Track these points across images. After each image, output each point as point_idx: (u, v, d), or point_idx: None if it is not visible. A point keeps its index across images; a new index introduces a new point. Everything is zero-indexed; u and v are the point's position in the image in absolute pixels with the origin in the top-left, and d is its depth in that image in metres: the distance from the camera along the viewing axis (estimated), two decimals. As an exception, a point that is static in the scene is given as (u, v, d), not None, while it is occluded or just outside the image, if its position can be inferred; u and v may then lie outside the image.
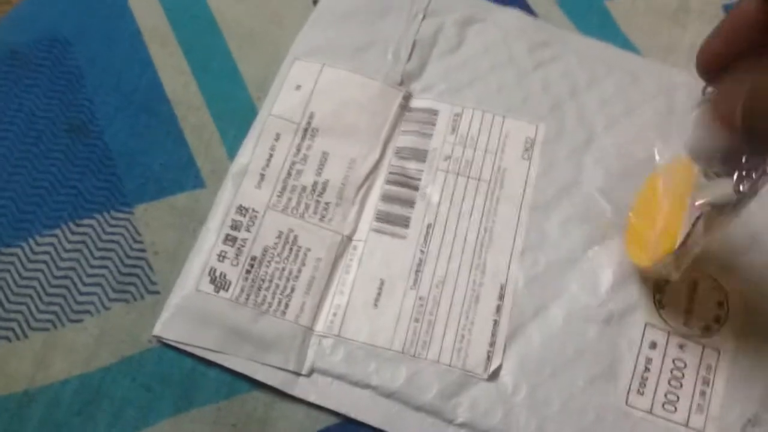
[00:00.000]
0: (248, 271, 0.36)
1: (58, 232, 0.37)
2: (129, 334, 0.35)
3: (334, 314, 0.36)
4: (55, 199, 0.38)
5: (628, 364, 0.35)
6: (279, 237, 0.37)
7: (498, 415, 0.34)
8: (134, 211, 0.38)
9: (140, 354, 0.35)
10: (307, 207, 0.38)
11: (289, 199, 0.38)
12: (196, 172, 0.39)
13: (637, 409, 0.34)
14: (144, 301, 0.36)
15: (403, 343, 0.35)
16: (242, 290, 0.36)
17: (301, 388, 0.34)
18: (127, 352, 0.35)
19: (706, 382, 0.35)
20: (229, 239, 0.37)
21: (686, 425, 0.34)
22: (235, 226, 0.37)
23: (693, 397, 0.34)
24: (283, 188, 0.38)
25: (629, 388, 0.35)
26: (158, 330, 0.35)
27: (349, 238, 0.38)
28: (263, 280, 0.36)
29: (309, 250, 0.37)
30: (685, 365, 0.35)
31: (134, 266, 0.36)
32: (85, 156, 0.39)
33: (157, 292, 0.36)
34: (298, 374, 0.34)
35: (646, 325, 0.36)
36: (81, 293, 0.36)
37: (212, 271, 0.36)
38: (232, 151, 0.39)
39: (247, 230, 0.37)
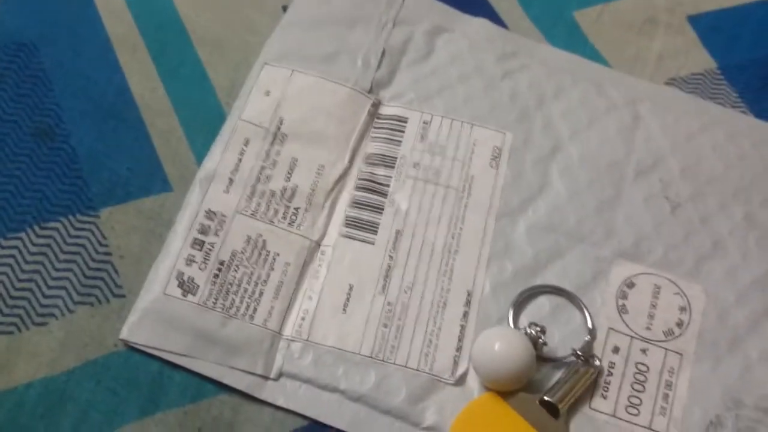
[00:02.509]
0: (216, 275, 0.36)
1: (22, 235, 0.36)
2: (94, 338, 0.35)
3: (303, 318, 0.36)
4: (19, 202, 0.37)
5: (592, 368, 0.36)
6: (247, 241, 0.37)
7: (465, 418, 0.34)
8: (100, 214, 0.37)
9: (105, 357, 0.34)
10: (276, 212, 0.38)
11: (258, 204, 0.38)
12: (163, 177, 0.39)
13: (600, 413, 0.35)
14: (109, 304, 0.35)
15: (371, 347, 0.35)
16: (210, 294, 0.35)
17: (269, 392, 0.34)
18: (92, 356, 0.34)
19: (668, 386, 0.35)
20: (197, 243, 0.36)
21: (649, 428, 0.34)
22: (203, 230, 0.37)
23: (656, 400, 0.35)
24: (252, 193, 0.38)
25: (592, 391, 0.35)
26: (125, 334, 0.34)
27: (318, 244, 0.38)
28: (231, 285, 0.36)
29: (278, 254, 0.37)
30: (648, 369, 0.36)
31: (99, 269, 0.36)
32: (51, 160, 0.39)
33: (123, 296, 0.36)
34: (266, 378, 0.34)
35: (609, 330, 0.36)
36: (45, 296, 0.35)
37: (180, 274, 0.36)
38: (200, 156, 0.39)
39: (216, 234, 0.37)
